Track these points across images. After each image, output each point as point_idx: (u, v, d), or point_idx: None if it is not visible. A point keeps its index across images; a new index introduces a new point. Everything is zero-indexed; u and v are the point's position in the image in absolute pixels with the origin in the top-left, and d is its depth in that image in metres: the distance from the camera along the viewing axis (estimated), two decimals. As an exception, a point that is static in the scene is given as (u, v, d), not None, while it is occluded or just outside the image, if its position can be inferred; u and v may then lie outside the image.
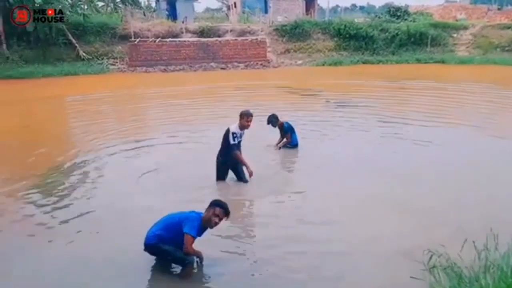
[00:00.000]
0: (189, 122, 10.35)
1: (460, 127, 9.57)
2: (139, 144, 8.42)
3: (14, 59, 20.46)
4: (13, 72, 19.25)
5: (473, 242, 3.65)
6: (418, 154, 7.61)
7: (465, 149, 7.80)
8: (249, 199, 5.81)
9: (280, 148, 7.82)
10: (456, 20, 31.65)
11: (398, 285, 3.71)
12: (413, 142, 8.27)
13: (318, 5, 38.40)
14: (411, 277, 3.59)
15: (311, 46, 25.56)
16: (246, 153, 6.09)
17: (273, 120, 7.79)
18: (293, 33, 25.52)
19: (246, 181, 6.06)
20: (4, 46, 20.38)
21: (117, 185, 6.18)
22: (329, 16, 34.15)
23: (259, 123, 7.60)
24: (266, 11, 32.05)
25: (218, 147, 6.12)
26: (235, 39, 24.25)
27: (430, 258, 3.67)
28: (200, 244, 3.91)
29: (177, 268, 3.91)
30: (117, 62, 22.24)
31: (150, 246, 3.84)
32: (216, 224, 3.83)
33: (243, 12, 32.57)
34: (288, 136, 7.82)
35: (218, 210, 3.79)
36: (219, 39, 24.21)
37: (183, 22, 26.38)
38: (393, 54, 25.50)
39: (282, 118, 7.97)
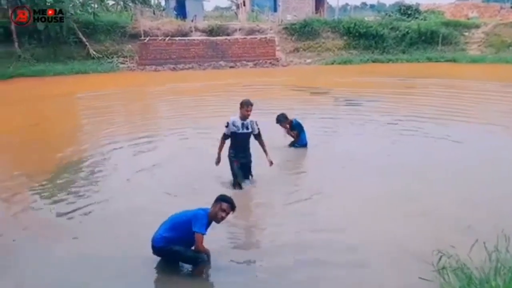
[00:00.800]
0: (199, 119, 10.32)
1: (476, 125, 9.48)
2: (150, 139, 8.58)
3: (26, 58, 20.65)
4: (25, 70, 19.45)
5: (484, 243, 3.60)
6: (432, 152, 7.56)
7: (480, 147, 7.76)
8: (259, 202, 5.69)
9: (290, 146, 7.78)
10: (468, 19, 31.22)
11: (407, 286, 3.68)
12: (428, 140, 8.23)
13: (328, 3, 38.19)
14: (420, 278, 3.55)
15: (320, 45, 25.37)
16: (255, 153, 6.06)
17: (281, 119, 7.74)
18: (302, 31, 25.36)
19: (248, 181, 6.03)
20: (16, 44, 20.56)
21: (121, 184, 6.20)
22: (339, 14, 33.92)
23: (270, 122, 7.57)
24: (275, 10, 31.92)
25: (227, 144, 5.91)
26: (244, 38, 24.21)
27: (440, 259, 3.63)
28: (206, 244, 3.89)
29: (182, 268, 3.92)
30: (126, 61, 22.35)
31: (159, 249, 3.85)
32: (223, 218, 3.90)
33: (252, 11, 32.48)
34: (296, 134, 7.76)
35: (224, 205, 3.87)
36: (228, 37, 24.20)
37: (192, 20, 26.43)
38: (404, 52, 25.19)
39: (291, 116, 7.92)
